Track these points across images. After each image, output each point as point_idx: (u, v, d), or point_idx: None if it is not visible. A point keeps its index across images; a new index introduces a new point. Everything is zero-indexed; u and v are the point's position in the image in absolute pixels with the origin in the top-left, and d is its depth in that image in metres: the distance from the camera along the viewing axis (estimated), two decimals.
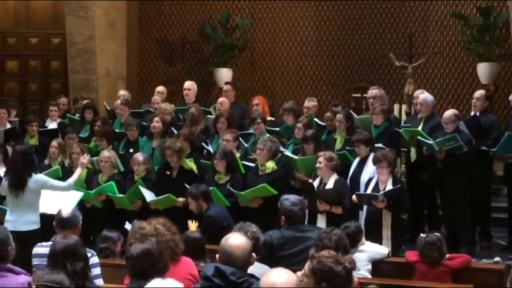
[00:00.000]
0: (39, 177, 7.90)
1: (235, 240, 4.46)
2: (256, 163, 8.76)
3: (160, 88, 11.73)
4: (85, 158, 8.54)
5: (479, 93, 9.69)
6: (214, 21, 14.61)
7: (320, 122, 9.92)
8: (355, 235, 6.58)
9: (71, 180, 8.13)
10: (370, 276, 6.47)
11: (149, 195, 8.78)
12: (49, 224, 6.66)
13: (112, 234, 6.62)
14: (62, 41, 14.08)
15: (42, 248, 5.65)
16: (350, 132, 9.09)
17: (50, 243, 5.27)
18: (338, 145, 9.05)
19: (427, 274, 6.38)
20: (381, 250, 6.82)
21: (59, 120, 11.52)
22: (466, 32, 13.22)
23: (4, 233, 5.08)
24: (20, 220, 7.53)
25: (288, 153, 8.96)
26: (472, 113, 9.63)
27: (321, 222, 7.80)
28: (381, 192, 7.73)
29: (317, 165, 8.10)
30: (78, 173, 8.31)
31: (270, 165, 8.55)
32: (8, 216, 7.76)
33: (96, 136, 10.13)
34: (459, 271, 6.43)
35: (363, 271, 6.48)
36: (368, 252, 6.62)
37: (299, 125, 9.33)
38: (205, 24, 14.59)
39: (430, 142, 8.71)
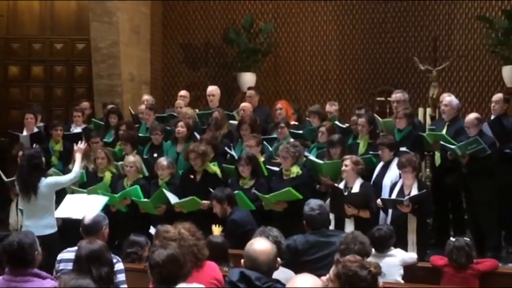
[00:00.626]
0: (49, 180, 7.76)
1: (260, 245, 4.45)
2: (281, 167, 8.75)
3: (183, 93, 11.75)
4: (81, 144, 8.36)
5: (497, 96, 9.60)
6: (238, 26, 14.61)
7: (342, 125, 9.91)
8: (388, 238, 6.60)
9: (76, 168, 7.97)
10: (402, 282, 6.44)
11: (173, 198, 8.82)
12: (73, 228, 6.72)
13: (139, 239, 6.62)
14: (87, 47, 14.14)
15: (67, 254, 5.67)
16: (373, 136, 9.08)
17: (75, 248, 5.29)
18: (361, 149, 9.03)
19: (454, 277, 6.37)
20: (411, 255, 6.80)
21: (83, 125, 11.58)
22: (491, 35, 13.11)
23: (31, 238, 5.09)
24: (37, 225, 7.37)
25: (312, 157, 8.95)
26: (492, 117, 9.55)
27: (349, 227, 7.80)
28: (406, 197, 7.69)
29: (343, 168, 8.08)
30: (78, 159, 8.12)
31: (295, 169, 8.54)
32: (25, 222, 7.71)
33: (120, 140, 10.19)
34: (486, 275, 6.40)
35: (396, 276, 6.46)
36: (400, 257, 6.60)
37: (323, 129, 9.34)
38: (229, 29, 14.59)
39: (453, 147, 8.65)
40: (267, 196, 8.39)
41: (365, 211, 7.83)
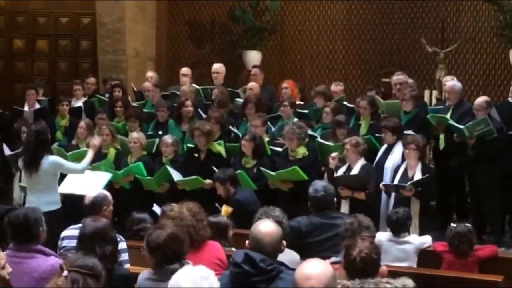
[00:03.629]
0: (54, 158, 7.70)
1: (266, 227, 4.45)
2: (284, 147, 8.75)
3: (185, 70, 11.74)
4: (96, 139, 8.30)
5: None
6: (244, 4, 14.53)
7: (350, 105, 9.93)
8: (405, 220, 6.64)
9: (85, 163, 7.90)
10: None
11: (176, 175, 8.83)
12: (76, 205, 6.73)
13: (143, 215, 6.64)
14: (92, 22, 14.08)
15: (71, 231, 5.70)
16: (375, 117, 9.12)
17: (79, 225, 5.31)
18: (363, 130, 9.07)
19: (454, 264, 6.36)
20: (425, 239, 6.74)
21: (83, 98, 11.57)
22: (499, 18, 13.04)
23: (38, 213, 5.09)
24: (41, 201, 7.22)
25: (319, 139, 8.95)
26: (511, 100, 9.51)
27: (344, 208, 7.86)
28: (409, 183, 7.70)
29: (344, 152, 8.11)
30: (90, 155, 8.02)
31: (301, 150, 8.53)
32: (29, 197, 7.70)
33: (128, 118, 10.12)
34: (486, 261, 6.40)
35: (412, 262, 6.50)
36: (417, 242, 6.62)
37: (327, 109, 9.37)
38: (235, 6, 14.51)
39: (461, 126, 8.65)
40: (272, 173, 8.38)
41: (360, 193, 7.86)
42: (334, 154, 8.38)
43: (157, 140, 9.54)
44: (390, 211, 6.72)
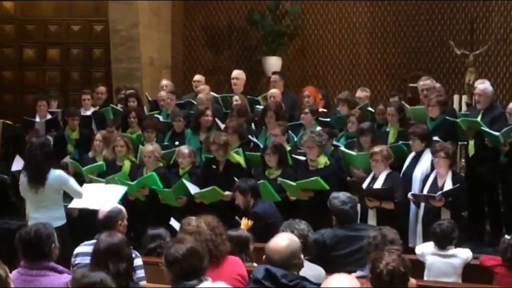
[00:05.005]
0: (60, 175, 7.65)
1: (275, 243, 4.43)
2: (306, 157, 8.73)
3: (198, 77, 11.74)
4: None
5: None
6: (263, 7, 14.54)
7: (374, 111, 9.93)
8: (451, 232, 6.57)
9: (82, 192, 7.90)
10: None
11: (193, 188, 8.81)
12: (89, 220, 6.72)
13: (159, 231, 6.62)
14: (105, 29, 14.13)
15: (85, 247, 5.68)
16: (403, 124, 9.08)
17: (93, 241, 5.30)
18: (391, 138, 9.05)
19: (506, 277, 6.24)
20: (469, 253, 6.67)
21: (92, 109, 11.60)
22: None
23: (50, 229, 5.10)
24: (46, 217, 7.08)
25: (344, 148, 8.93)
26: None
27: (372, 219, 7.83)
28: (438, 193, 7.64)
29: (372, 164, 8.05)
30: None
31: (322, 160, 8.50)
32: (32, 214, 7.64)
33: (145, 129, 10.10)
34: None
35: (457, 277, 6.46)
36: (463, 257, 6.56)
37: (352, 118, 9.34)
38: (254, 10, 14.53)
39: (496, 133, 8.58)
40: (293, 183, 8.35)
41: (388, 203, 7.82)
42: (357, 172, 8.40)
43: (176, 150, 9.55)
44: (435, 223, 6.65)
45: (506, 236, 6.51)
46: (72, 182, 7.85)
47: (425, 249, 6.58)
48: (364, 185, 8.08)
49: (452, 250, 6.57)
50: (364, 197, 7.78)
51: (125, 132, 10.28)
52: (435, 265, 6.46)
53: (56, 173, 7.60)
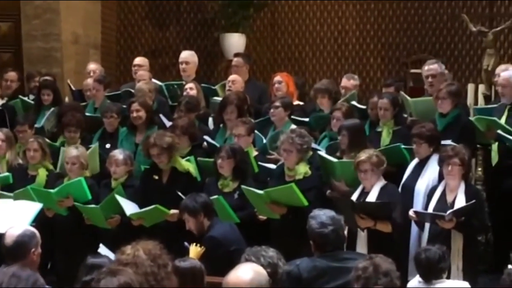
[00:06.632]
0: None
1: (245, 274, 4.42)
2: (279, 164, 8.71)
3: (138, 60, 11.73)
4: None
5: None
6: None
7: (361, 106, 9.88)
8: (437, 262, 6.58)
9: None
10: None
11: (129, 207, 8.75)
12: None
13: (101, 260, 6.53)
14: None
15: None
16: (399, 121, 9.13)
17: None
18: (385, 140, 9.08)
19: None
20: (464, 285, 6.74)
21: (1, 101, 11.53)
22: None
23: None
24: None
25: (323, 153, 8.89)
26: None
27: (362, 245, 7.82)
28: (448, 212, 7.65)
29: (360, 176, 8.03)
30: None
31: (302, 169, 8.46)
32: None
33: (66, 127, 10.02)
34: None
35: None
36: None
37: (338, 114, 9.29)
38: None
39: None
40: (260, 191, 8.30)
41: (385, 224, 7.80)
42: (338, 184, 8.40)
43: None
44: (419, 248, 6.67)
45: (510, 266, 6.55)
46: None
47: (412, 283, 6.60)
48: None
49: (439, 284, 6.58)
50: (354, 215, 7.75)
51: (59, 136, 10.25)
52: None
53: None
